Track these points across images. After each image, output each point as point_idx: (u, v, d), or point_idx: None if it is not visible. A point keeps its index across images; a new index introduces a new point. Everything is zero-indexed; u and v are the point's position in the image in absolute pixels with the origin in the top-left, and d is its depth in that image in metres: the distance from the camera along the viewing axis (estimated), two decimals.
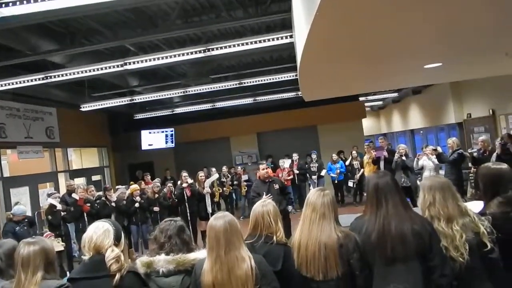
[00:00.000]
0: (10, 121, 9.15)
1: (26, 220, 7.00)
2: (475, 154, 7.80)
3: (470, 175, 8.42)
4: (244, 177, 11.74)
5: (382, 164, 9.34)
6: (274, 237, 2.61)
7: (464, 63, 5.88)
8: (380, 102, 17.91)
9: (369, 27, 3.00)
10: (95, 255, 2.37)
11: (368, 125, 18.95)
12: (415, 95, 14.04)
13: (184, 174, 8.48)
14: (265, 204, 2.73)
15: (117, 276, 2.29)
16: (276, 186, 6.50)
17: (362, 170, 11.21)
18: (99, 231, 2.42)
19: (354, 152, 11.78)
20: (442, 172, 8.15)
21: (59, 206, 7.43)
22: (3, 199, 8.81)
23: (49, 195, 7.86)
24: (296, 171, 11.58)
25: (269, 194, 6.18)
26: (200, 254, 2.48)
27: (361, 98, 14.34)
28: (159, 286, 2.46)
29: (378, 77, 6.16)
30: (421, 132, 15.88)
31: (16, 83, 6.83)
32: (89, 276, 2.33)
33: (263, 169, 6.58)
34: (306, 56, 3.62)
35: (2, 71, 7.01)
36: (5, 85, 6.85)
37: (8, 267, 2.55)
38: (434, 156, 7.78)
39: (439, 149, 7.93)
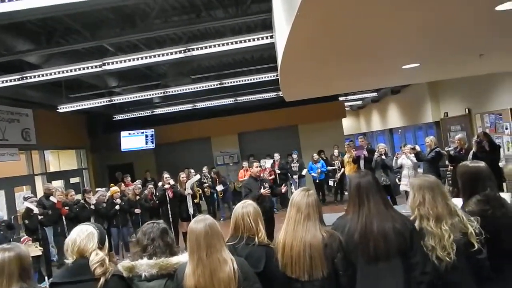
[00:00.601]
0: None
1: (3, 224, 6.84)
2: (452, 152, 7.98)
3: (448, 173, 8.60)
4: (219, 187, 11.49)
5: (362, 163, 9.48)
6: (256, 238, 2.61)
7: (441, 64, 6.01)
8: (360, 102, 18.13)
9: (348, 28, 3.04)
10: (79, 258, 2.34)
11: (348, 124, 19.17)
12: (394, 94, 14.28)
13: (166, 175, 8.42)
14: (245, 206, 2.72)
15: (102, 280, 2.26)
16: (266, 185, 6.58)
17: (342, 169, 11.33)
18: (83, 235, 2.38)
19: (336, 151, 11.89)
20: (420, 170, 8.30)
21: (36, 210, 7.26)
22: None
23: (25, 199, 7.66)
24: (278, 171, 11.61)
25: (267, 188, 6.33)
26: (182, 257, 2.45)
27: (340, 98, 14.49)
28: None
29: (357, 77, 6.25)
30: (400, 131, 16.15)
31: None
32: (72, 280, 2.30)
33: (257, 167, 6.66)
34: (287, 56, 3.64)
35: None
36: None
37: None
38: (413, 155, 7.91)
39: (418, 147, 8.07)
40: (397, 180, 8.97)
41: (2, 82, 6.63)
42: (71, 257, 2.36)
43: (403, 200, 7.94)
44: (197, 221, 2.38)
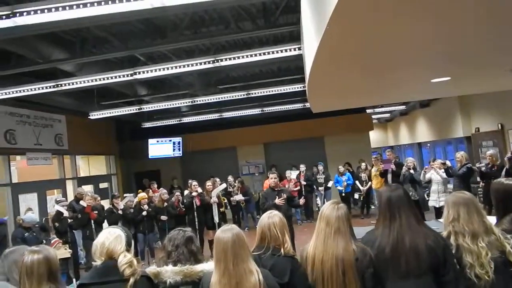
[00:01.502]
0: (20, 127, 9.25)
1: (37, 226, 7.06)
2: (483, 168, 7.74)
3: (479, 189, 8.34)
4: (238, 196, 11.22)
5: (389, 177, 9.32)
6: (282, 249, 2.60)
7: (472, 78, 5.88)
8: (388, 115, 17.88)
9: (378, 41, 3.02)
10: (108, 260, 2.38)
11: (375, 137, 18.90)
12: (422, 108, 14.01)
13: (194, 183, 8.49)
14: (271, 216, 2.72)
15: (131, 280, 2.30)
16: (284, 196, 6.59)
17: (369, 182, 11.16)
18: (111, 237, 2.43)
19: (363, 164, 11.72)
20: (450, 186, 8.09)
21: (66, 213, 7.46)
22: (12, 205, 8.88)
23: (57, 202, 7.90)
24: (304, 182, 11.54)
25: (282, 198, 6.37)
26: (207, 265, 2.47)
27: (368, 110, 14.34)
28: None
29: (386, 91, 6.17)
30: (429, 145, 15.80)
31: (27, 90, 6.92)
32: (101, 281, 2.34)
33: (271, 178, 6.80)
34: (315, 68, 3.64)
35: (14, 78, 7.12)
36: (16, 92, 6.93)
37: (12, 273, 2.56)
38: (442, 170, 7.71)
39: (448, 163, 7.87)
40: (425, 196, 8.77)
41: (38, 89, 6.89)
42: (99, 259, 2.40)
43: (432, 216, 7.76)
44: (224, 231, 2.38)
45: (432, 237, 2.36)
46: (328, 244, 2.44)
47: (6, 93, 6.92)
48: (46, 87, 6.84)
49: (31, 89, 6.89)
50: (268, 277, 2.32)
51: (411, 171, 8.52)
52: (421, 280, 2.29)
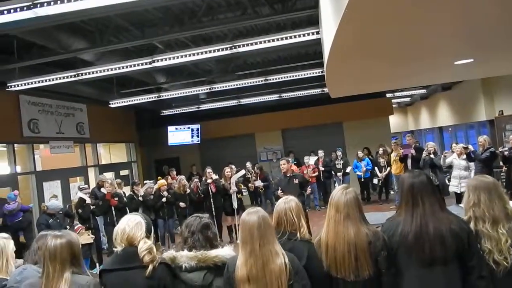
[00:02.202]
0: (43, 117, 9.46)
1: (61, 212, 7.26)
2: (506, 152, 7.57)
3: (502, 174, 8.18)
4: (257, 182, 11.34)
5: (409, 162, 9.21)
6: (298, 234, 2.61)
7: (495, 60, 5.71)
8: (408, 99, 17.56)
9: (399, 23, 2.96)
10: (128, 246, 2.43)
11: (395, 122, 18.63)
12: (444, 91, 13.72)
13: (209, 170, 8.58)
14: (287, 201, 2.73)
15: (150, 267, 2.35)
16: (296, 181, 6.65)
17: (388, 168, 11.05)
18: (132, 224, 2.48)
19: (381, 149, 11.59)
20: (472, 171, 7.94)
21: (88, 200, 7.64)
22: (36, 192, 9.13)
23: (80, 189, 8.09)
24: (322, 168, 11.51)
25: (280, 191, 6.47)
26: (222, 251, 2.50)
27: (388, 95, 14.11)
28: (183, 281, 2.51)
29: (407, 74, 6.05)
30: (450, 129, 15.50)
31: (49, 80, 7.04)
32: (122, 267, 2.40)
33: (281, 164, 7.03)
34: (334, 53, 3.60)
35: (36, 68, 7.25)
36: (39, 82, 7.06)
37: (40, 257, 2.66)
38: (465, 155, 7.57)
39: (471, 147, 7.71)
40: (446, 181, 8.65)
41: (60, 78, 7.00)
42: (119, 246, 2.45)
43: (452, 201, 7.65)
44: (250, 213, 2.40)
45: (456, 222, 2.33)
46: (339, 230, 2.44)
47: (29, 83, 7.06)
48: (67, 77, 6.95)
49: (53, 79, 7.01)
50: (294, 260, 2.34)
51: (432, 155, 8.39)
52: (446, 267, 2.27)
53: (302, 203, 6.62)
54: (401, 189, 2.54)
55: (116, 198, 8.07)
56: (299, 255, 2.51)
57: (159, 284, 2.37)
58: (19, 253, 3.06)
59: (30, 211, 7.94)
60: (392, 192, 11.69)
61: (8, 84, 7.05)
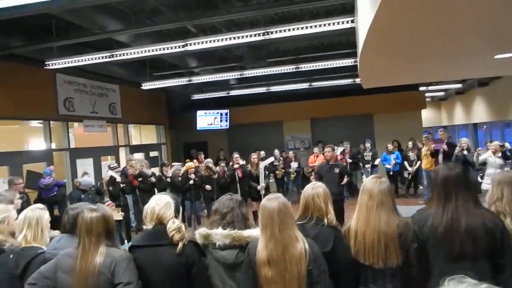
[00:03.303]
0: (77, 96, 9.73)
1: (93, 189, 7.50)
2: None
3: None
4: (294, 164, 11.63)
5: (440, 157, 9.01)
6: (325, 220, 2.63)
7: None
8: (442, 93, 17.07)
9: (438, 13, 2.87)
10: (158, 225, 2.51)
11: (427, 116, 18.18)
12: (481, 87, 13.25)
13: (236, 155, 8.65)
14: (315, 187, 2.75)
15: (180, 245, 2.42)
16: (337, 170, 6.66)
17: (419, 162, 10.83)
18: (161, 203, 2.55)
19: (410, 142, 11.36)
20: (507, 169, 7.69)
21: (118, 178, 7.84)
22: (70, 168, 9.46)
23: (109, 167, 8.31)
24: (349, 160, 11.41)
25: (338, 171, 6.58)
26: (255, 232, 2.54)
27: (421, 88, 13.76)
28: (215, 258, 2.57)
29: (445, 66, 5.86)
30: (485, 126, 15.00)
31: (85, 60, 7.21)
32: (152, 244, 2.48)
33: (327, 151, 7.14)
34: (369, 41, 3.53)
35: (73, 48, 7.44)
36: (75, 61, 7.25)
37: (74, 228, 2.77)
38: (500, 153, 7.33)
39: (507, 145, 7.45)
40: (478, 178, 8.41)
41: (95, 58, 7.16)
42: (149, 224, 2.54)
43: (484, 199, 7.44)
44: (270, 199, 2.43)
45: (490, 218, 2.28)
46: (370, 217, 2.44)
47: (65, 62, 7.25)
48: (103, 57, 7.09)
49: (89, 59, 7.17)
50: (314, 247, 2.36)
51: (465, 152, 8.18)
52: (476, 263, 2.23)
53: (340, 193, 6.70)
54: (434, 181, 2.50)
55: (140, 179, 8.25)
56: (325, 241, 2.53)
57: (187, 261, 2.45)
58: (53, 226, 3.19)
59: (64, 186, 8.23)
60: (421, 187, 11.47)
61: (46, 62, 7.27)
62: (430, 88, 14.35)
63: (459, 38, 3.84)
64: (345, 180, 7.04)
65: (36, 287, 2.47)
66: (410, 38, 3.54)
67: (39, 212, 2.97)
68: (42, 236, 2.92)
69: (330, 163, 7.03)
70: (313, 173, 7.48)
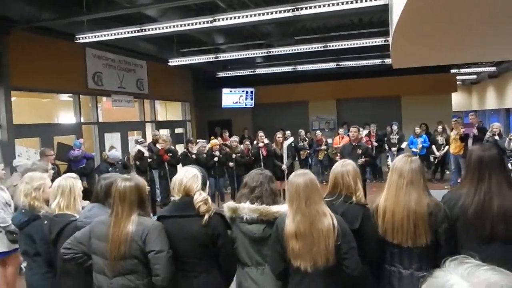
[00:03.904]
0: (106, 70, 9.84)
1: (120, 162, 7.66)
2: None
3: None
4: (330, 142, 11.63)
5: (470, 142, 8.80)
6: (354, 197, 2.62)
7: None
8: (474, 77, 16.50)
9: None
10: (185, 196, 2.55)
11: (457, 100, 17.67)
12: None
13: (260, 134, 8.65)
14: (344, 165, 2.74)
15: (206, 217, 2.46)
16: (359, 151, 6.67)
17: (447, 147, 10.59)
18: (189, 175, 2.59)
19: (440, 127, 11.09)
20: None
21: (146, 153, 7.96)
22: (98, 142, 9.66)
23: (137, 142, 8.44)
24: (375, 144, 11.26)
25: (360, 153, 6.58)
26: (282, 207, 2.55)
27: (452, 70, 13.33)
28: (242, 231, 2.60)
29: (487, 44, 5.56)
30: None
31: (114, 34, 7.23)
32: (179, 215, 2.52)
33: (352, 132, 7.23)
34: (405, 16, 3.40)
35: (102, 22, 7.49)
36: (105, 35, 7.29)
37: (106, 197, 2.84)
38: None
39: None
40: (509, 165, 8.18)
41: (124, 33, 7.18)
42: (177, 195, 2.58)
43: None
44: (297, 175, 2.43)
45: None
46: (400, 196, 2.41)
47: (95, 36, 7.31)
48: (132, 32, 7.11)
49: (118, 33, 7.20)
50: (342, 223, 2.36)
51: (496, 137, 7.94)
52: (508, 246, 2.18)
53: (362, 174, 6.73)
54: (468, 161, 2.45)
55: (170, 154, 8.36)
56: (353, 218, 2.52)
57: (213, 233, 2.48)
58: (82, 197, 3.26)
59: (92, 159, 8.43)
60: (447, 172, 11.25)
61: (76, 36, 7.35)
62: (462, 70, 13.89)
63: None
64: (362, 160, 6.93)
65: (71, 251, 2.56)
66: (452, 10, 3.39)
67: (72, 180, 3.06)
68: (74, 204, 3.01)
69: (354, 144, 7.05)
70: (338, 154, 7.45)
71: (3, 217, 4.48)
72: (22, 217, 3.24)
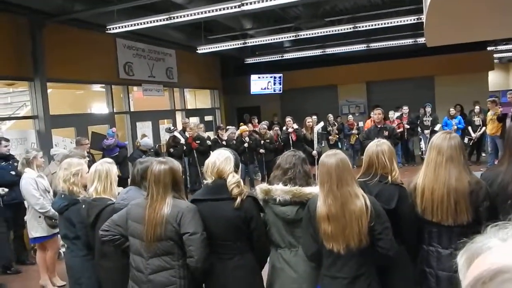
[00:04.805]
0: (136, 60, 9.99)
1: (152, 150, 7.80)
2: None
3: None
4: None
5: (508, 121, 8.47)
6: (389, 177, 2.57)
7: None
8: None
9: None
10: (218, 179, 2.56)
11: (493, 79, 16.91)
12: None
13: (288, 119, 8.62)
14: (379, 144, 2.68)
15: (238, 200, 2.46)
16: (386, 133, 6.61)
17: (483, 128, 10.21)
18: (222, 158, 2.59)
19: (477, 107, 10.68)
20: None
21: (182, 140, 8.07)
22: (130, 131, 9.87)
23: (169, 130, 8.56)
24: (407, 126, 11.00)
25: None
26: (315, 189, 2.52)
27: (489, 48, 12.74)
28: (275, 213, 2.60)
29: None
30: None
31: (144, 23, 7.30)
32: (213, 198, 2.54)
33: (375, 114, 7.24)
34: None
35: (131, 12, 7.58)
36: (134, 25, 7.37)
37: (142, 180, 2.90)
38: None
39: None
40: None
41: (153, 22, 7.24)
42: (210, 178, 2.59)
43: None
44: (329, 155, 2.39)
45: None
46: (439, 173, 2.34)
47: (125, 26, 7.41)
48: (161, 20, 7.16)
49: (147, 22, 7.25)
50: (376, 204, 2.32)
51: None
52: None
53: None
54: (507, 138, 2.36)
55: (198, 141, 8.44)
56: (389, 198, 2.47)
57: (246, 216, 2.49)
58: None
59: (125, 148, 8.62)
60: (484, 154, 10.88)
61: (107, 27, 7.47)
62: (499, 48, 13.27)
63: None
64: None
65: (109, 233, 2.64)
66: None
67: (108, 165, 3.14)
68: (111, 188, 3.09)
69: (379, 126, 7.05)
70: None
71: (42, 203, 4.67)
72: (62, 202, 3.36)
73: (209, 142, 8.81)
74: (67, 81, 8.52)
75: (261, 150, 8.97)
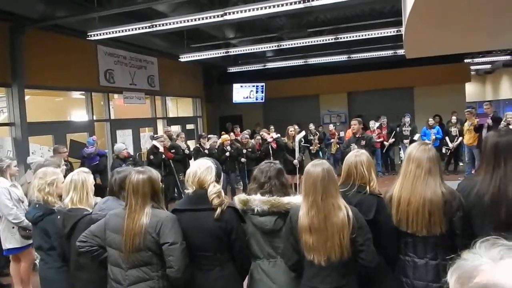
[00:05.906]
0: (117, 67, 9.88)
1: (131, 158, 7.68)
2: None
3: None
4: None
5: (484, 132, 8.66)
6: (367, 187, 2.58)
7: None
8: (488, 66, 16.20)
9: None
10: (198, 189, 2.53)
11: (470, 90, 17.37)
12: None
13: (263, 131, 8.70)
14: (358, 154, 2.70)
15: (219, 210, 2.44)
16: (363, 143, 6.78)
17: (460, 138, 10.43)
18: (203, 167, 2.56)
19: (454, 117, 10.92)
20: None
21: (161, 149, 7.97)
22: (110, 139, 9.73)
23: (152, 138, 8.45)
24: (391, 141, 11.20)
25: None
26: (294, 199, 2.52)
27: (466, 60, 13.09)
28: (253, 223, 2.57)
29: (502, 31, 5.40)
30: None
31: (126, 30, 7.22)
32: (193, 208, 2.51)
33: (352, 124, 7.47)
34: (420, 2, 3.33)
35: (113, 19, 7.50)
36: (116, 32, 7.29)
37: (121, 190, 2.84)
38: None
39: None
40: None
41: (135, 29, 7.17)
42: (191, 188, 2.55)
43: None
44: (315, 165, 2.38)
45: None
46: (417, 185, 2.36)
47: (107, 33, 7.32)
48: (143, 27, 7.10)
49: (129, 29, 7.18)
50: (357, 214, 2.32)
51: (510, 126, 7.80)
52: None
53: None
54: (484, 148, 2.40)
55: (173, 151, 8.35)
56: (367, 209, 2.48)
57: (226, 226, 2.46)
58: (95, 194, 3.25)
59: (105, 156, 8.48)
60: (461, 164, 11.09)
61: (88, 33, 7.37)
62: (476, 60, 13.63)
63: None
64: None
65: (87, 244, 2.57)
66: (463, 2, 3.30)
67: (84, 175, 3.07)
68: (87, 199, 3.02)
69: (357, 136, 7.19)
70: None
71: (16, 214, 4.52)
72: (37, 212, 3.26)
73: (186, 151, 8.75)
74: (46, 87, 8.36)
75: (242, 159, 8.94)
